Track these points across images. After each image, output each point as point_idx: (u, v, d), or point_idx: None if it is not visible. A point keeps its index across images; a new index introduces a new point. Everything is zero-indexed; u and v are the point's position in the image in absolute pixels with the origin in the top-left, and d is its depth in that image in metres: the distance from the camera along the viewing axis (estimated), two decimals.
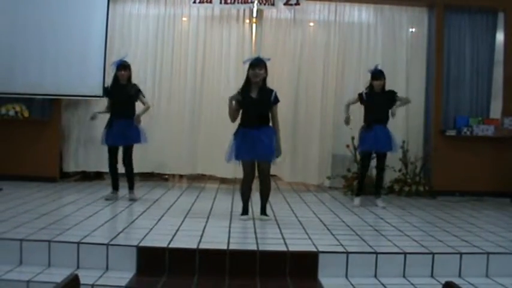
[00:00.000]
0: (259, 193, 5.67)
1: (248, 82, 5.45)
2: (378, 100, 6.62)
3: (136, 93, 6.48)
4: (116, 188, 6.60)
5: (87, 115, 8.05)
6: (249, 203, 5.72)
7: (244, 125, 5.44)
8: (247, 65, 5.51)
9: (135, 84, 6.55)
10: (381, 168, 6.82)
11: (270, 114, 5.45)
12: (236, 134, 5.47)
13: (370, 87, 6.67)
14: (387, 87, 6.70)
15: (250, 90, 5.43)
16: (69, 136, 8.14)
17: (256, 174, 5.56)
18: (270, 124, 5.47)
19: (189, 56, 8.20)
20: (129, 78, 6.49)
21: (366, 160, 6.81)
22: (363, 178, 6.86)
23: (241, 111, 5.48)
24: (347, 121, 6.80)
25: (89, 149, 8.11)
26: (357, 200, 6.76)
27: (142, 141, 6.52)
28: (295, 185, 8.30)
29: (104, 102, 6.78)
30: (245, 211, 5.62)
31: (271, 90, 5.48)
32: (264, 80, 5.45)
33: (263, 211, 5.62)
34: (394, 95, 6.70)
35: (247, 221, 5.47)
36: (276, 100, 5.45)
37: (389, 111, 6.66)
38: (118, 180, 6.61)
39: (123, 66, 6.40)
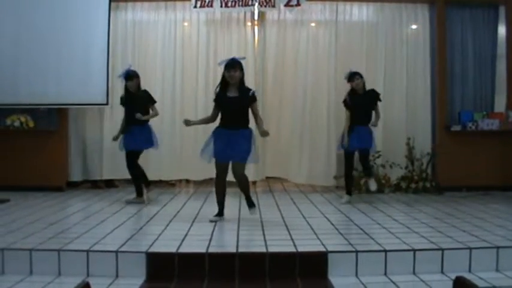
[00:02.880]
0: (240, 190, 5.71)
1: (225, 83, 5.47)
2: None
3: (148, 99, 6.68)
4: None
5: (93, 123, 8.10)
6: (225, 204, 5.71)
7: (223, 126, 5.48)
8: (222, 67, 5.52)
9: (145, 91, 6.75)
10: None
11: (250, 114, 5.49)
12: (214, 133, 5.51)
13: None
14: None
15: (228, 91, 5.47)
16: (75, 145, 8.14)
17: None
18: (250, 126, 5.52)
19: (192, 61, 8.20)
20: (138, 85, 6.68)
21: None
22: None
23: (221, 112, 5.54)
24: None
25: (95, 158, 8.15)
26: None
27: (155, 144, 6.77)
28: (302, 186, 8.30)
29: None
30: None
31: (249, 90, 5.51)
32: (241, 79, 5.48)
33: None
34: None
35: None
36: (253, 98, 5.45)
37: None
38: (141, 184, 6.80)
39: (129, 77, 6.60)
